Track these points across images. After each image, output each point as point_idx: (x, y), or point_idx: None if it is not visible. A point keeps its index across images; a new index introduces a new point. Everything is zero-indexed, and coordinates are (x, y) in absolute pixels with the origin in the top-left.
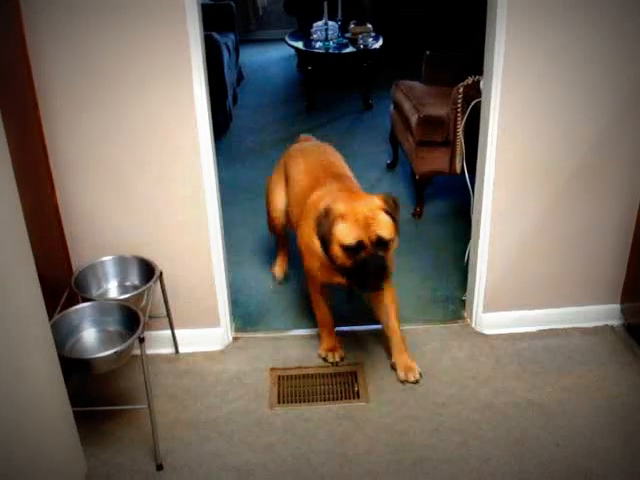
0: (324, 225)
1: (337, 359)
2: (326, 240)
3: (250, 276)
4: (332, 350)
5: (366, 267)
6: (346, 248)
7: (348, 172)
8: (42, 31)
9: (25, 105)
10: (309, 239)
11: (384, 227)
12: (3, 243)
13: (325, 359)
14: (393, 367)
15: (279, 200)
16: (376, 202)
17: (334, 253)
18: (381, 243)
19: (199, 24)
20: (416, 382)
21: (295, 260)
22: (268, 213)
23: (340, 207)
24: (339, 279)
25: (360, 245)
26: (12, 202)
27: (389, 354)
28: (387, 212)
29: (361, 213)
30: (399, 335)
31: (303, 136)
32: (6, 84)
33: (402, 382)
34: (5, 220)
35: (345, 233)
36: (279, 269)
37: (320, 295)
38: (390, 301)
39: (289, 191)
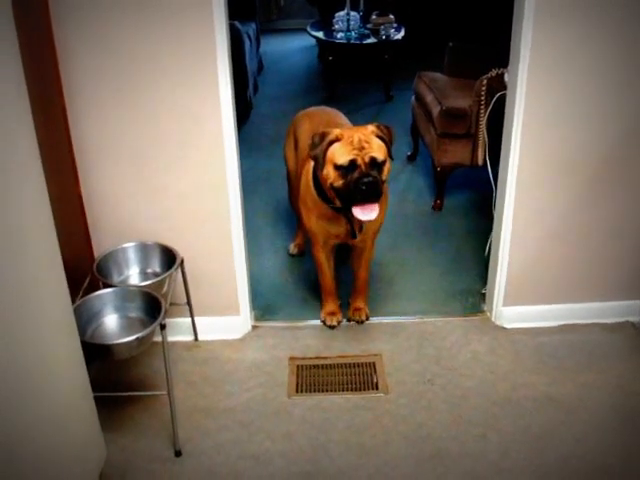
0: (318, 147)
1: (335, 323)
2: (319, 162)
3: (269, 266)
4: (331, 314)
5: (359, 183)
6: (339, 168)
7: None
8: (67, 17)
9: (51, 94)
10: (305, 183)
11: (377, 149)
12: (30, 228)
13: (324, 322)
14: (348, 308)
15: (292, 163)
16: (370, 128)
17: (327, 175)
18: (374, 165)
19: (225, 14)
20: (361, 322)
21: None
22: (287, 179)
23: (335, 131)
24: (336, 229)
25: (353, 165)
26: (39, 188)
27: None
28: (380, 138)
29: (355, 137)
30: (362, 283)
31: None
32: (33, 75)
33: (348, 320)
34: (32, 206)
35: (339, 153)
36: (294, 245)
37: (324, 258)
38: (368, 257)
39: (298, 154)
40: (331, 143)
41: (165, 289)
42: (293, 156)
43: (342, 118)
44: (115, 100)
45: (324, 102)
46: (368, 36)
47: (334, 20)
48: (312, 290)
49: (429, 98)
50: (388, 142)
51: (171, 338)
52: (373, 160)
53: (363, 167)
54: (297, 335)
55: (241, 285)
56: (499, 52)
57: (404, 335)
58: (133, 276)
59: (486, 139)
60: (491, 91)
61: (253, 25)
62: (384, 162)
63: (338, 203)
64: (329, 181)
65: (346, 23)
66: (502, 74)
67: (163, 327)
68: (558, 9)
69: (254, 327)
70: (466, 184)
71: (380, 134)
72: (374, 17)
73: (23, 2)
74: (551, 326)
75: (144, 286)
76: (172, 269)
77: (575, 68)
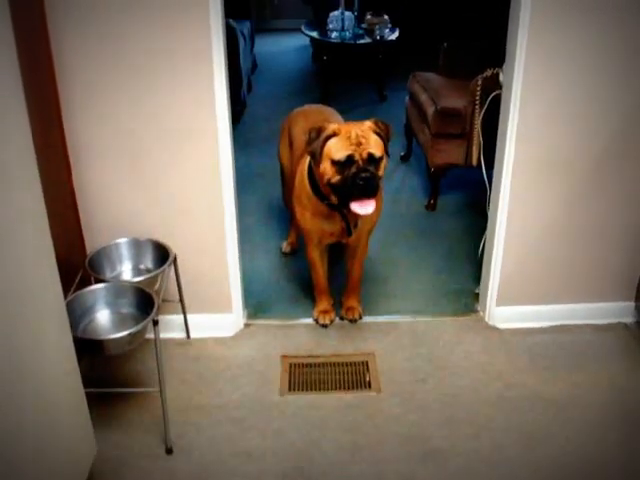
0: (315, 142)
1: (327, 322)
2: (316, 158)
3: (262, 264)
4: (324, 312)
5: (356, 179)
6: (336, 163)
7: None
8: (61, 5)
9: (44, 88)
10: (300, 180)
11: (375, 145)
12: (22, 223)
13: (317, 321)
14: (341, 307)
15: (286, 161)
16: (367, 124)
17: (323, 170)
18: (371, 160)
19: (221, 12)
20: (354, 321)
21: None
22: (280, 177)
23: (332, 126)
24: (331, 227)
25: (350, 160)
26: (33, 183)
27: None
28: (377, 134)
29: (353, 132)
30: (355, 282)
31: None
32: (27, 64)
33: (341, 318)
34: (25, 201)
35: (336, 148)
36: (286, 244)
37: (317, 257)
38: (361, 256)
39: (293, 152)
40: (328, 138)
41: (158, 285)
42: (287, 154)
43: (337, 117)
44: (110, 97)
45: (318, 102)
46: (362, 36)
47: (328, 20)
48: (305, 288)
49: (423, 98)
50: (385, 138)
51: (163, 335)
52: (370, 156)
53: (360, 162)
54: (289, 333)
55: (234, 283)
56: (494, 52)
57: (397, 334)
58: (126, 272)
59: (481, 139)
60: (486, 91)
61: (247, 24)
62: (381, 158)
63: (334, 199)
64: (326, 177)
65: (340, 23)
66: (497, 74)
67: (156, 323)
68: (554, 8)
69: (246, 325)
70: (459, 184)
71: (377, 130)
72: (368, 17)
73: None
74: (544, 326)
75: (136, 282)
76: (165, 265)
77: (570, 68)
